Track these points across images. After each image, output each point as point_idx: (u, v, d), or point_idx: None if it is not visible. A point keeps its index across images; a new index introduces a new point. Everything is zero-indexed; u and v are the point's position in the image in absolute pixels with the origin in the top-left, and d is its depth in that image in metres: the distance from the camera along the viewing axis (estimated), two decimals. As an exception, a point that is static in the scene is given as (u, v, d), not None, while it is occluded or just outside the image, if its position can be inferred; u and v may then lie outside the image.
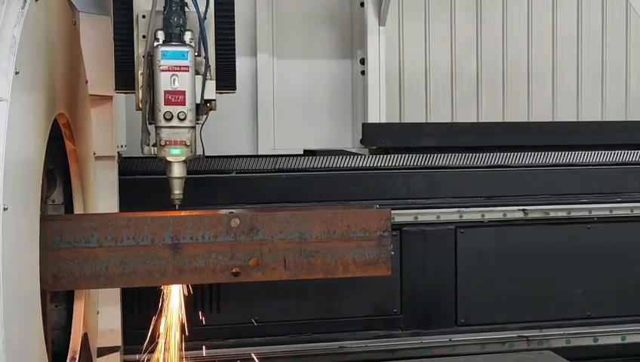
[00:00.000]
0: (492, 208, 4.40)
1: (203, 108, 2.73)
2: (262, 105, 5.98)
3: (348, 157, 4.47)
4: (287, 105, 6.08)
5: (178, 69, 2.59)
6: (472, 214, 4.38)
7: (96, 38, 3.45)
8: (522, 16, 6.63)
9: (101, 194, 3.50)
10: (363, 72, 5.98)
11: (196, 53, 2.67)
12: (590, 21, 6.76)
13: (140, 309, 4.02)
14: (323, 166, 4.41)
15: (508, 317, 4.45)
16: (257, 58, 5.94)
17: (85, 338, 3.00)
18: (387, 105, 5.98)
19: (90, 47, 3.33)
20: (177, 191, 2.73)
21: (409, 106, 6.41)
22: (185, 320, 2.99)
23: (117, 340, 3.68)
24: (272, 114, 6.04)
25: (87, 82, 3.23)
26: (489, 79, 6.57)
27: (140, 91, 2.69)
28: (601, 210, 4.51)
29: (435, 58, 6.44)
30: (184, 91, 2.60)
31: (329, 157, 4.45)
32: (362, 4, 5.96)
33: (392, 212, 2.81)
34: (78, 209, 3.05)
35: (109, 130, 3.64)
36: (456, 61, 6.49)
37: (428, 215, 4.34)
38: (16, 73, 2.07)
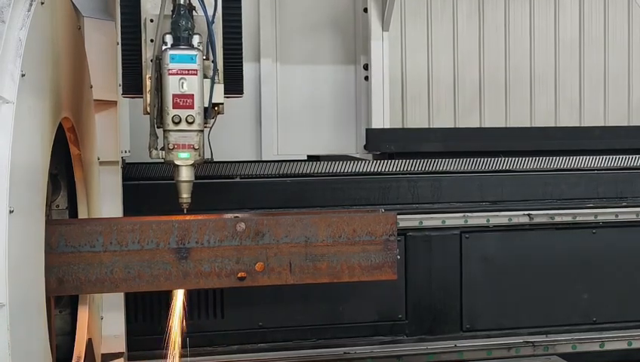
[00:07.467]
0: (497, 213, 4.39)
1: (211, 111, 2.72)
2: (265, 111, 5.99)
3: (352, 162, 4.46)
4: (290, 111, 6.08)
5: (186, 72, 2.58)
6: (477, 219, 4.37)
7: (100, 43, 3.45)
8: (524, 23, 6.64)
9: (105, 199, 3.49)
10: (366, 78, 5.98)
11: (204, 57, 2.66)
12: (592, 27, 6.77)
13: (144, 315, 4.01)
14: (327, 171, 4.40)
15: (514, 323, 4.44)
16: (261, 63, 5.95)
17: (90, 343, 2.98)
18: (390, 110, 5.97)
19: (94, 52, 3.32)
20: (185, 195, 2.72)
21: (412, 112, 6.41)
22: (189, 327, 2.97)
23: (121, 346, 3.66)
24: (276, 119, 6.04)
25: (91, 87, 3.22)
26: (491, 85, 6.57)
27: (148, 95, 2.68)
28: (606, 214, 4.49)
29: (438, 63, 6.44)
30: (192, 95, 2.59)
31: (333, 162, 4.44)
32: (365, 10, 5.97)
33: (397, 217, 2.80)
34: (82, 214, 3.04)
35: (113, 136, 3.64)
36: (459, 67, 6.49)
37: (433, 220, 4.33)
38: (22, 75, 2.06)
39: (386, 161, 4.49)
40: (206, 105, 2.67)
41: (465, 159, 4.53)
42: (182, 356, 2.96)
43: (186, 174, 2.69)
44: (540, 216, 4.42)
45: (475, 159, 4.54)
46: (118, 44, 3.24)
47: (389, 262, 2.75)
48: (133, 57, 2.79)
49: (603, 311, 4.52)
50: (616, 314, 4.53)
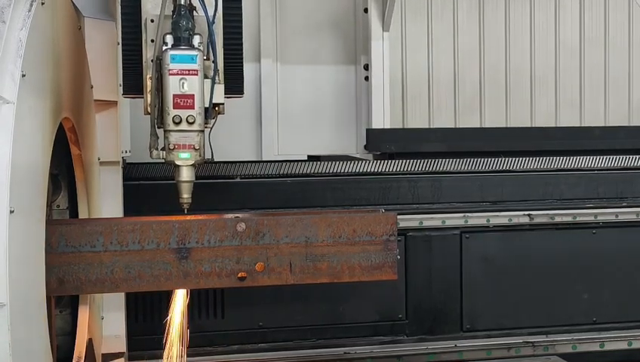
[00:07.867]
0: (497, 213, 4.40)
1: (212, 112, 2.73)
2: (266, 111, 5.99)
3: (352, 162, 4.46)
4: (291, 111, 6.08)
5: (187, 72, 2.59)
6: (477, 219, 4.37)
7: (101, 43, 3.45)
8: (525, 23, 6.64)
9: (105, 199, 3.49)
10: (367, 78, 5.98)
11: (204, 57, 2.66)
12: (592, 28, 6.77)
13: (145, 315, 4.01)
14: (327, 171, 4.40)
15: (514, 323, 4.44)
16: (261, 64, 5.95)
17: (90, 343, 2.99)
18: (390, 110, 5.97)
19: (95, 52, 3.33)
20: (186, 195, 2.72)
21: (412, 112, 6.41)
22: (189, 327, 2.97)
23: (121, 346, 3.67)
24: (276, 119, 6.04)
25: (92, 87, 3.23)
26: (492, 86, 6.57)
27: (149, 95, 2.69)
28: (606, 215, 4.49)
29: (438, 64, 6.44)
30: (193, 95, 2.60)
31: (333, 162, 4.45)
32: (366, 10, 5.97)
33: (397, 217, 2.80)
34: (82, 214, 3.04)
35: (113, 136, 3.64)
36: (459, 67, 6.49)
37: (433, 220, 4.33)
38: (23, 76, 2.06)
39: (386, 161, 4.49)
40: (206, 105, 2.68)
41: (465, 159, 4.53)
42: (182, 356, 2.96)
43: (186, 174, 2.70)
44: (540, 216, 4.42)
45: (476, 159, 4.54)
46: (118, 44, 3.25)
47: (389, 262, 2.75)
48: (134, 57, 2.80)
49: (603, 311, 4.52)
50: (616, 315, 4.53)
